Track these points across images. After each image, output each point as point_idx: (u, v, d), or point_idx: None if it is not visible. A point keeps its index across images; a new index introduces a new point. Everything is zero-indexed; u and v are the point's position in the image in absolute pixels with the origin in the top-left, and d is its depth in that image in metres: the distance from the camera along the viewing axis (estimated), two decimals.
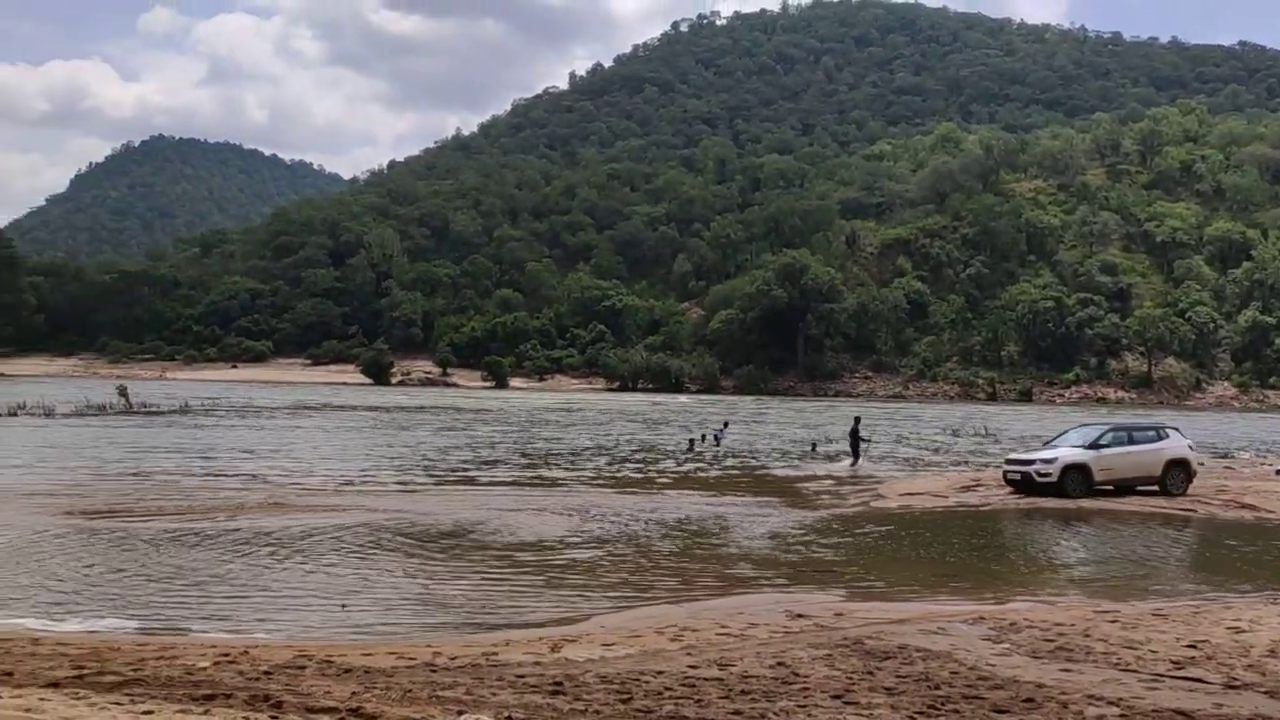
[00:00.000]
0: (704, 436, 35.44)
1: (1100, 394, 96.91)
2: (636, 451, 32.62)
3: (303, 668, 7.58)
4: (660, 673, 7.55)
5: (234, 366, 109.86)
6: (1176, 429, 23.64)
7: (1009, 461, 23.04)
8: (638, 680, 7.29)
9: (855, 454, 29.08)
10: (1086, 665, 8.04)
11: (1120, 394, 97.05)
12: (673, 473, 26.42)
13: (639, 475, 25.69)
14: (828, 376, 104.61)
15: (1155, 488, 21.74)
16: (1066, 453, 22.03)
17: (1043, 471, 21.37)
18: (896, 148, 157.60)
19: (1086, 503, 20.56)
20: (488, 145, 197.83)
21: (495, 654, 8.26)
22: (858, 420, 30.09)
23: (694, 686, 7.16)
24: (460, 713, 6.31)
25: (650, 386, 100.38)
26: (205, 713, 5.97)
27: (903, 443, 38.74)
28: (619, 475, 25.48)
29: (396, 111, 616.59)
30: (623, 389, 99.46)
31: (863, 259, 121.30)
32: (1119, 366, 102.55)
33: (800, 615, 10.17)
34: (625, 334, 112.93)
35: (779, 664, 7.88)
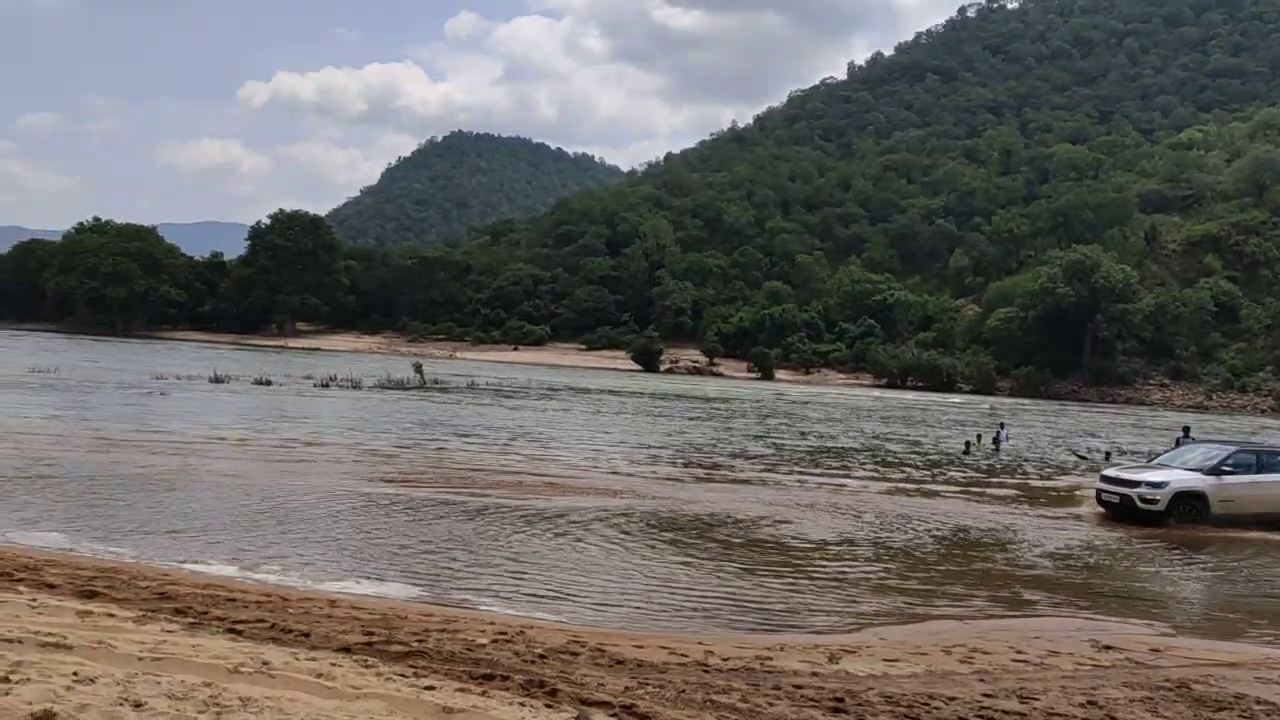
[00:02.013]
0: (979, 438, 33.57)
1: None
2: (907, 452, 31.29)
3: (576, 654, 7.49)
4: (952, 699, 6.90)
5: (515, 349, 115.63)
6: None
7: (1105, 479, 19.37)
8: (927, 705, 6.68)
9: None
10: None
11: None
12: (948, 476, 25.05)
13: (911, 477, 24.54)
14: (1117, 382, 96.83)
15: None
16: (1180, 476, 18.37)
17: (1148, 497, 17.94)
18: (1208, 136, 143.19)
19: None
20: (762, 137, 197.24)
21: (770, 659, 7.86)
22: (1186, 431, 26.67)
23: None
24: None
25: (920, 385, 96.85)
26: (484, 694, 5.94)
27: None
28: (889, 476, 24.44)
29: (674, 105, 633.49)
30: (891, 386, 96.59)
31: (1163, 256, 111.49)
32: None
33: (1109, 647, 9.10)
34: (895, 329, 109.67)
35: (1090, 703, 7.01)
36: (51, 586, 8.11)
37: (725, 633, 9.30)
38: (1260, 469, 18.69)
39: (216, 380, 42.64)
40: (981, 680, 7.55)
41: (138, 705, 4.85)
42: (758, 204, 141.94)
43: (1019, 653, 8.63)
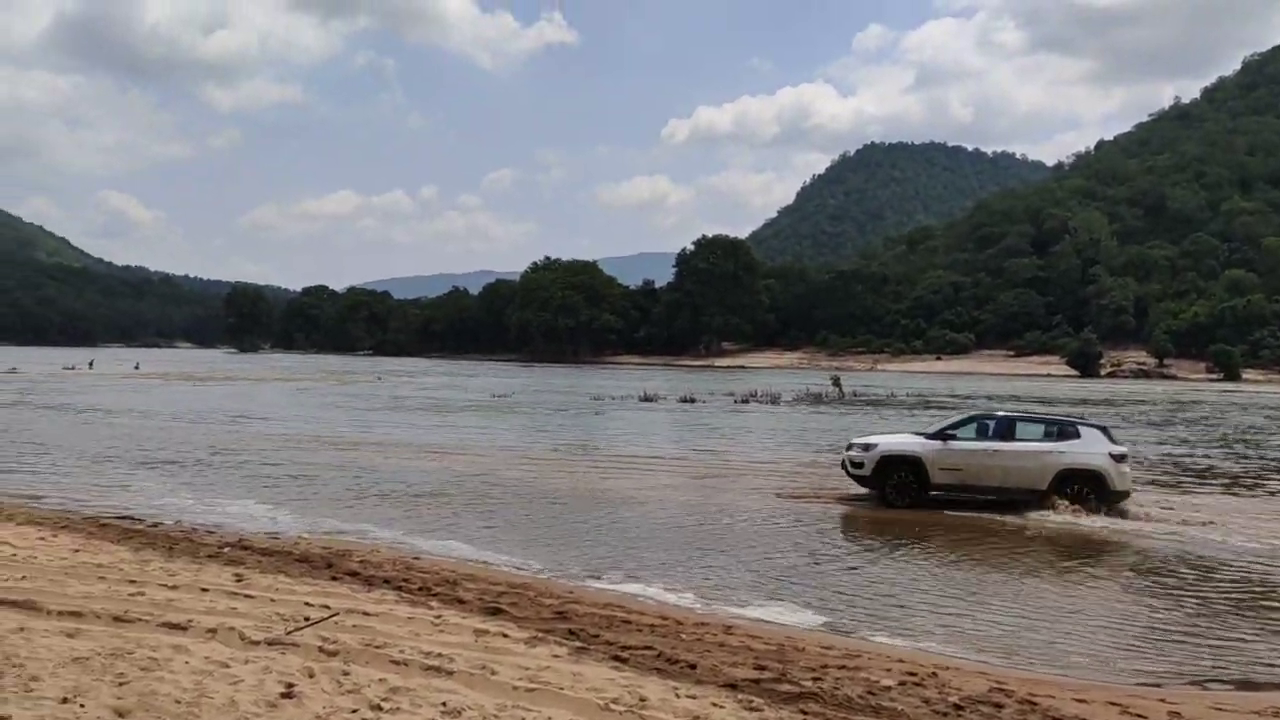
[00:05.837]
0: None
1: None
2: None
3: (999, 706, 6.37)
4: None
5: (938, 359, 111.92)
6: (1103, 429, 16.31)
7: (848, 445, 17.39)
8: None
9: None
10: None
11: None
12: None
13: None
14: None
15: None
16: (890, 441, 16.90)
17: (855, 460, 16.47)
18: None
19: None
20: (1211, 111, 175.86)
21: None
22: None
23: None
24: None
25: None
26: None
27: None
28: None
29: (1103, 89, 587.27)
30: None
31: None
32: None
33: None
34: None
35: None
36: (461, 602, 8.37)
37: (1193, 688, 7.62)
38: (1005, 436, 16.10)
39: (645, 399, 45.19)
40: None
41: None
42: (1209, 185, 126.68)
43: None
